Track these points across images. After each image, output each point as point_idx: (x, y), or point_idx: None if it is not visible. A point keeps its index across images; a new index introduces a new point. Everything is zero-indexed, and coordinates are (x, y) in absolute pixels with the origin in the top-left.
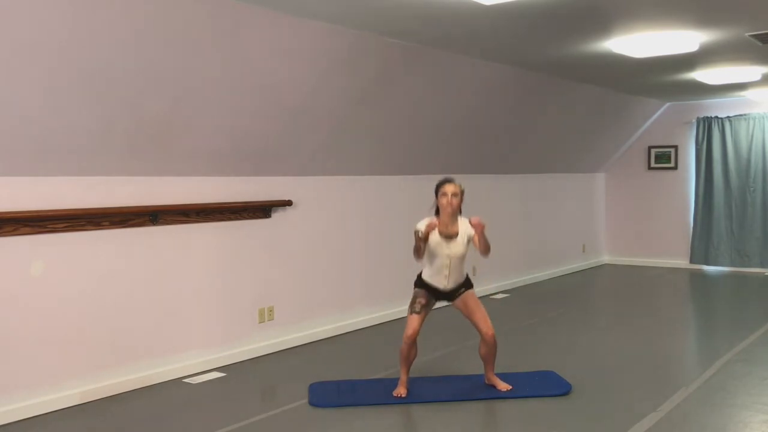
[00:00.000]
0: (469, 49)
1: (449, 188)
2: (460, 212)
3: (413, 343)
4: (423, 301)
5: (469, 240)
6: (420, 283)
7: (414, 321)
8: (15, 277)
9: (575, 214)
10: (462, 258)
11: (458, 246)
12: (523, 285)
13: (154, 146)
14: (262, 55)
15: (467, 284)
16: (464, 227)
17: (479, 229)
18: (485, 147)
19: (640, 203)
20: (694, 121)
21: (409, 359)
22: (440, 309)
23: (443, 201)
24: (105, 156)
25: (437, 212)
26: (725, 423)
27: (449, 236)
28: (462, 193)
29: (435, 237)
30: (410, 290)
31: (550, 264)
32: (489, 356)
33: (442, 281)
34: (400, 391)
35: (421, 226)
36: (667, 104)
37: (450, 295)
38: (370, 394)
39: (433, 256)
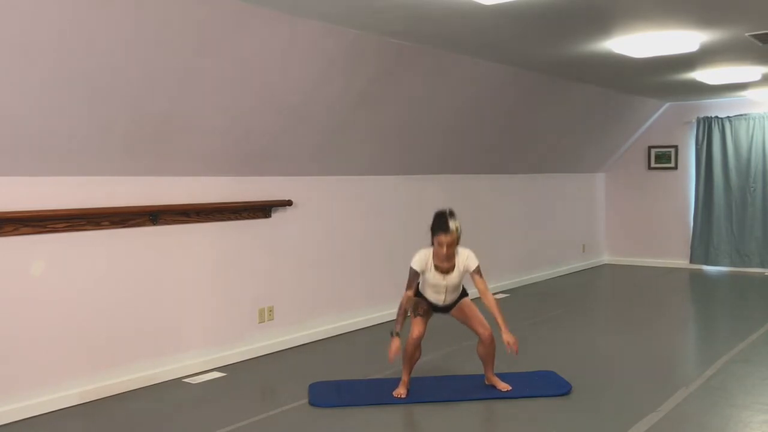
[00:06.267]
0: (468, 49)
1: (444, 239)
2: (457, 242)
3: (418, 344)
4: (425, 306)
5: (466, 271)
6: (418, 294)
7: (418, 323)
8: (15, 277)
9: (575, 214)
10: (458, 283)
11: (454, 278)
12: (523, 285)
13: (153, 146)
14: (262, 54)
15: (463, 294)
16: (461, 260)
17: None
18: (485, 147)
19: (640, 203)
20: (694, 121)
21: (412, 360)
22: None
23: (440, 251)
24: (105, 156)
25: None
26: (725, 423)
27: (446, 270)
28: (458, 236)
29: (431, 270)
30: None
31: (550, 264)
32: (488, 356)
33: (439, 301)
34: (401, 391)
35: (416, 264)
36: (667, 104)
37: (446, 309)
38: (370, 394)
39: (429, 284)
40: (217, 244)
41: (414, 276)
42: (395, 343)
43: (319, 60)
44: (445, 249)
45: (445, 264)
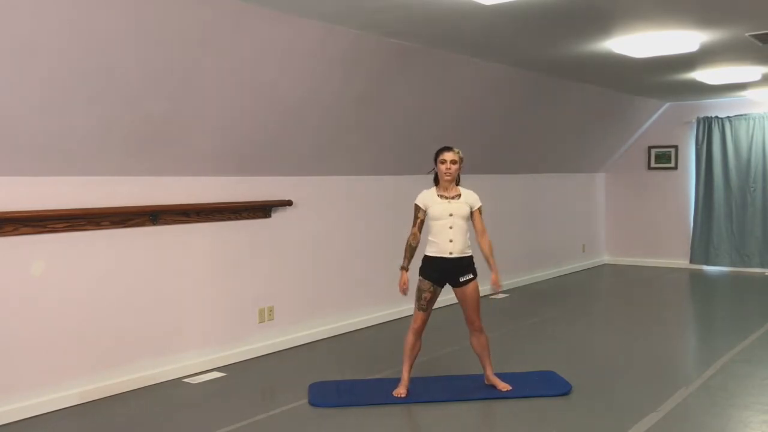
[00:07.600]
0: (469, 49)
1: (448, 156)
2: (458, 182)
3: (419, 335)
4: (428, 296)
5: (471, 206)
6: (425, 267)
7: (421, 315)
8: (15, 277)
9: (575, 214)
10: (465, 220)
11: (460, 205)
12: (523, 285)
13: (154, 146)
14: (262, 54)
15: (473, 269)
16: (465, 194)
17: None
18: (485, 147)
19: (640, 203)
20: (694, 121)
21: (413, 352)
22: (440, 309)
23: (442, 168)
24: (105, 156)
25: (435, 178)
26: (725, 423)
27: (450, 198)
28: (461, 160)
29: (436, 199)
30: (410, 291)
31: (550, 264)
32: (482, 350)
33: (446, 246)
34: (401, 391)
35: (419, 200)
36: (667, 104)
37: (455, 275)
38: (370, 394)
39: (435, 219)
40: (217, 244)
41: (418, 212)
42: (404, 276)
43: (319, 60)
44: (448, 165)
45: (449, 192)
